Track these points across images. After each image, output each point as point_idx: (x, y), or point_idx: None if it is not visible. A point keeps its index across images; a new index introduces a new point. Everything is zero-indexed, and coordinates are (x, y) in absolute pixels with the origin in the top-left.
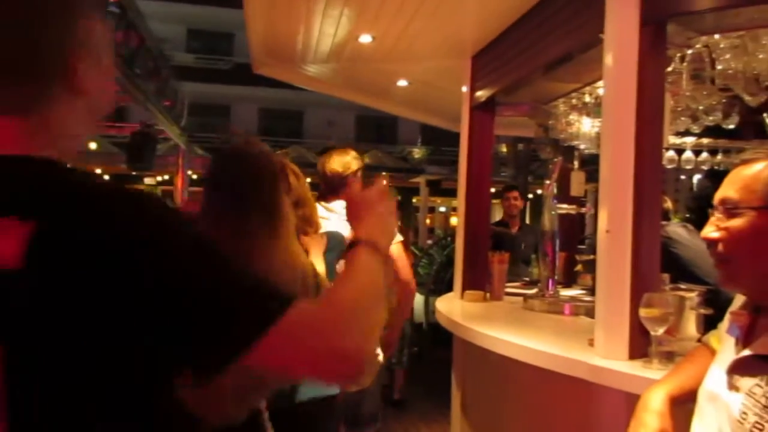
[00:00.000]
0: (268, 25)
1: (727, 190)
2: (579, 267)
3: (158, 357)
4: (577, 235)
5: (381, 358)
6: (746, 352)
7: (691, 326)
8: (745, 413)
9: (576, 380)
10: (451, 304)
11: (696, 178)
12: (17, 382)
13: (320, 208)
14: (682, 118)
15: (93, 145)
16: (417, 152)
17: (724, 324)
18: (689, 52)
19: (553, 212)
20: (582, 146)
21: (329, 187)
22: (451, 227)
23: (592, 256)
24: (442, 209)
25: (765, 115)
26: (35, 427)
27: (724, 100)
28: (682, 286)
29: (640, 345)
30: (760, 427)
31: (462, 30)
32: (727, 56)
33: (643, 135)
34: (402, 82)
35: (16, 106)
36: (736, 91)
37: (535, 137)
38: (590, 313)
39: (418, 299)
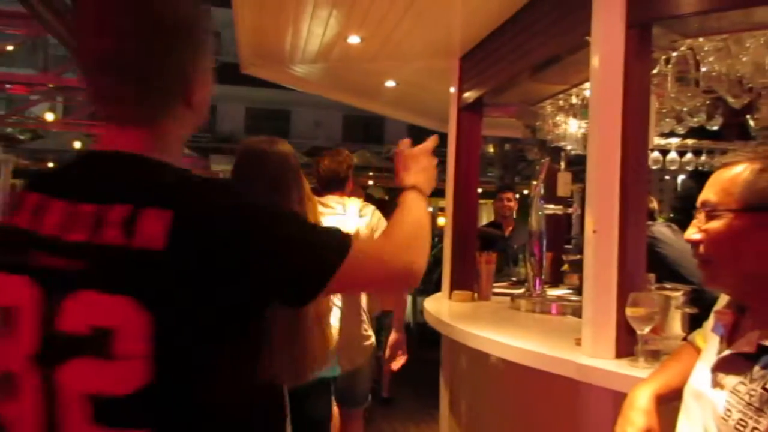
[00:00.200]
0: (257, 25)
1: (707, 192)
2: (565, 267)
3: (268, 297)
4: (563, 235)
5: (373, 340)
6: (730, 351)
7: (676, 325)
8: (729, 410)
9: (563, 379)
10: (439, 304)
11: (680, 178)
12: (162, 340)
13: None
14: (667, 120)
15: (78, 144)
16: None
17: (710, 323)
18: (674, 54)
19: (540, 212)
20: (569, 147)
21: (324, 185)
22: (438, 227)
23: (578, 256)
24: (429, 209)
25: (748, 116)
26: (174, 371)
27: (708, 102)
28: (668, 286)
29: (627, 344)
30: (744, 424)
31: (450, 31)
32: (711, 59)
33: (629, 136)
34: (390, 83)
35: (145, 119)
36: (720, 93)
37: (522, 138)
38: (577, 312)
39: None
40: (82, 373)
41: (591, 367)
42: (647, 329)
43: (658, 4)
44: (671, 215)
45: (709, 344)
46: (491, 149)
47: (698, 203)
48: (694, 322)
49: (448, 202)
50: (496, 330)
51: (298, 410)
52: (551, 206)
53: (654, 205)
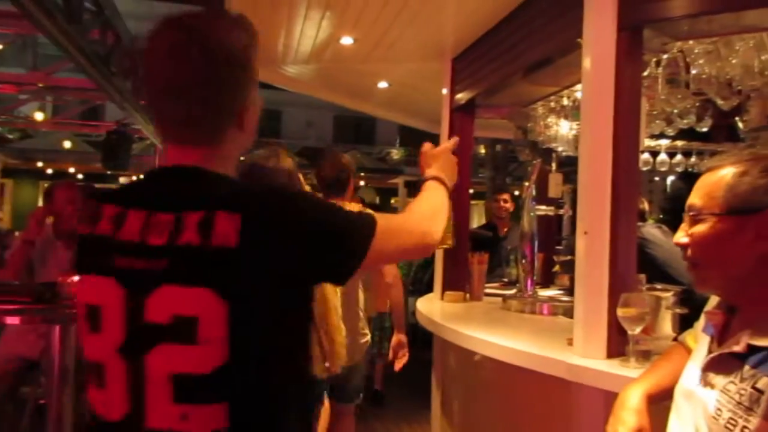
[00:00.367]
0: None
1: (693, 197)
2: (557, 267)
3: (320, 279)
4: (554, 236)
5: (369, 338)
6: (720, 351)
7: (666, 325)
8: (719, 410)
9: (555, 379)
10: (431, 305)
11: (670, 179)
12: (236, 325)
13: None
14: (657, 121)
15: (67, 144)
16: (395, 153)
17: (700, 323)
18: (664, 57)
19: (531, 213)
20: (560, 148)
21: (325, 189)
22: None
23: (569, 257)
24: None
25: (737, 118)
26: (246, 351)
27: (697, 104)
28: (658, 287)
29: (618, 344)
30: (734, 423)
31: (442, 33)
32: (701, 61)
33: (620, 137)
34: (383, 84)
35: (205, 140)
36: (710, 95)
37: (513, 139)
38: (568, 313)
39: None
40: (168, 356)
41: (582, 367)
42: (638, 329)
43: (649, 6)
44: (661, 216)
45: (700, 344)
46: (482, 150)
47: (686, 207)
48: (684, 323)
49: None
50: (488, 330)
51: None
52: (543, 207)
53: (645, 206)
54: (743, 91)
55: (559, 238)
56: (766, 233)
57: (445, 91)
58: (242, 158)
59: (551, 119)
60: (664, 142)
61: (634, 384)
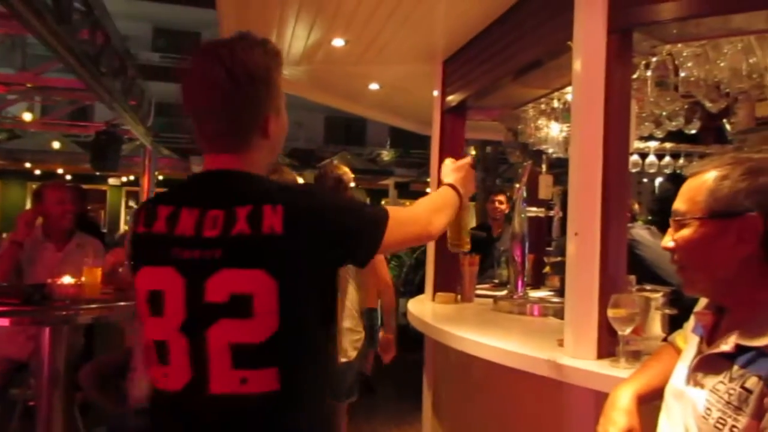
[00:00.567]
0: (241, 27)
1: (677, 202)
2: (547, 269)
3: (347, 260)
4: (544, 237)
5: (363, 336)
6: (710, 351)
7: (656, 326)
8: (709, 409)
9: (546, 380)
10: (422, 306)
11: (658, 181)
12: (285, 299)
13: None
14: (646, 124)
15: (56, 145)
16: (386, 154)
17: (690, 323)
18: (654, 60)
19: (522, 215)
20: (550, 150)
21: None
22: None
23: (559, 258)
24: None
25: (725, 120)
26: (293, 321)
27: (686, 106)
28: (648, 288)
29: (608, 344)
30: (723, 422)
31: (434, 35)
32: (690, 64)
33: (610, 139)
34: (374, 86)
35: (236, 147)
36: (698, 97)
37: (504, 141)
38: (558, 314)
39: None
40: (227, 330)
41: (573, 368)
42: (628, 330)
43: (638, 10)
44: (649, 217)
45: (690, 344)
46: (473, 152)
47: (671, 212)
48: (673, 323)
49: None
50: (479, 331)
51: None
52: (533, 209)
53: (636, 207)
54: (731, 94)
55: (549, 239)
56: (748, 236)
57: (436, 93)
58: None
59: (542, 121)
60: (653, 144)
61: (624, 384)
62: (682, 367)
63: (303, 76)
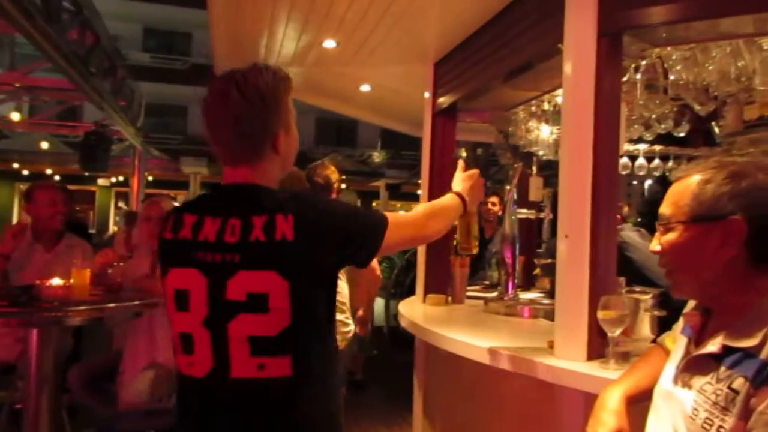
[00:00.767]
0: (232, 27)
1: (663, 206)
2: (537, 270)
3: (349, 261)
4: (535, 239)
5: (353, 327)
6: (697, 352)
7: (645, 327)
8: (696, 410)
9: (536, 381)
10: (413, 308)
11: (647, 183)
12: (296, 297)
13: None
14: (636, 126)
15: (45, 145)
16: (377, 156)
17: (679, 325)
18: (643, 63)
19: (513, 217)
20: (540, 152)
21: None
22: None
23: (550, 260)
24: (401, 212)
25: (713, 123)
26: (304, 316)
27: (675, 109)
28: (637, 289)
29: (598, 346)
30: (710, 422)
31: (425, 37)
32: (679, 67)
33: (600, 142)
34: (365, 87)
35: (247, 160)
36: (687, 100)
37: (495, 143)
38: (549, 315)
39: (379, 303)
40: (245, 324)
41: (563, 369)
42: (618, 332)
43: (628, 13)
44: (639, 219)
45: (678, 345)
46: (463, 153)
47: (658, 216)
48: (662, 325)
49: None
50: (470, 333)
51: None
52: (524, 210)
53: (626, 209)
54: (719, 97)
55: (539, 241)
56: (731, 239)
57: (427, 94)
58: None
59: (532, 123)
60: (643, 147)
61: (613, 385)
62: (671, 368)
63: (294, 77)
